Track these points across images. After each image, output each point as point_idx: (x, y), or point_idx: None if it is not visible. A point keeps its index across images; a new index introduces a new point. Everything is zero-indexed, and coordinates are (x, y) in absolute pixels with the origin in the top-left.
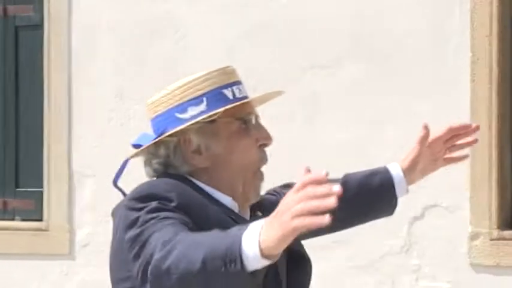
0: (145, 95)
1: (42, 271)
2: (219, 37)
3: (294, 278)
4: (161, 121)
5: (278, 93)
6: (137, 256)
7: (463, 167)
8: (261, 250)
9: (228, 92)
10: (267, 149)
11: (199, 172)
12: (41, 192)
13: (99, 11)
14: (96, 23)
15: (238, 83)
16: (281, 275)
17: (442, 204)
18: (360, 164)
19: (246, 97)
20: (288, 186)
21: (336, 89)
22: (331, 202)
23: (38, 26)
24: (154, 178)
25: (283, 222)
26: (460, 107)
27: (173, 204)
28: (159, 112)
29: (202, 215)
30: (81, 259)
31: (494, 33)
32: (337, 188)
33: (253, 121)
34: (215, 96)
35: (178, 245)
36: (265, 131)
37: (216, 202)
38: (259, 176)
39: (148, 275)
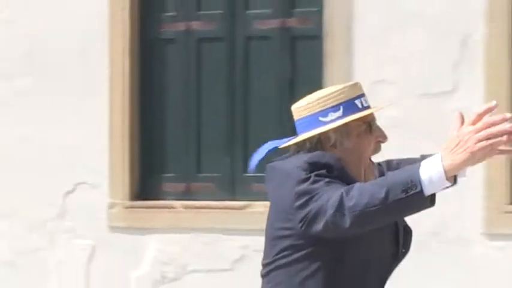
0: None
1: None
2: None
3: (404, 240)
4: (306, 122)
5: (390, 103)
6: (304, 205)
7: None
8: (445, 172)
9: (358, 102)
10: None
11: None
12: None
13: None
14: None
15: (363, 95)
16: (400, 237)
17: (88, 182)
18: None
19: (369, 106)
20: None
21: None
22: (507, 126)
23: None
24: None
25: (468, 147)
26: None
27: (335, 173)
28: (304, 115)
29: (346, 177)
30: None
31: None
32: (509, 114)
33: (375, 124)
34: (349, 105)
35: (357, 189)
36: (382, 131)
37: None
38: (370, 163)
39: (328, 217)
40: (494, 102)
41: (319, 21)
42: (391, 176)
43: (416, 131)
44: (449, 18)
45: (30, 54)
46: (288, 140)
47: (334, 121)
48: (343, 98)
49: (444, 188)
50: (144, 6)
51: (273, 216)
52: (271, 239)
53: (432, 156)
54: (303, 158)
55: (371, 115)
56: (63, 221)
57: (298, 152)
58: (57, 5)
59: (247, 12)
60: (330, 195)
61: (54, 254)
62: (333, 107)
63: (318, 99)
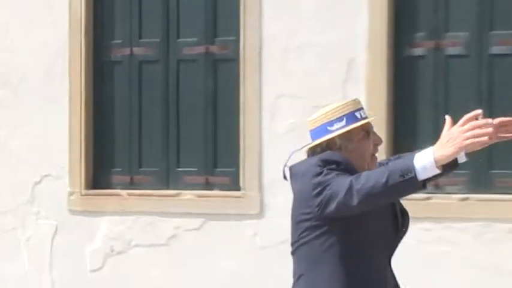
0: None
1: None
2: None
3: (402, 220)
4: (317, 132)
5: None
6: (320, 193)
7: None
8: (436, 161)
9: (357, 114)
10: None
11: None
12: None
13: None
14: None
15: (362, 108)
16: (398, 217)
17: (52, 175)
18: None
19: (367, 117)
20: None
21: None
22: (489, 129)
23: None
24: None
25: (457, 143)
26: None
27: (342, 167)
28: (315, 127)
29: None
30: None
31: None
32: (490, 120)
33: (372, 131)
34: (350, 117)
35: (364, 176)
36: (378, 136)
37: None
38: (374, 159)
39: (339, 199)
40: (480, 111)
41: (235, 48)
42: (392, 165)
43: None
44: (338, 46)
45: (5, 72)
46: (305, 146)
47: (339, 129)
48: (345, 111)
49: (435, 176)
50: (97, 35)
51: (296, 205)
52: (296, 223)
53: (425, 149)
54: (316, 157)
55: (368, 124)
56: (32, 206)
57: (312, 155)
58: (28, 33)
59: (178, 40)
60: (340, 182)
61: (25, 232)
62: (338, 118)
63: (326, 113)
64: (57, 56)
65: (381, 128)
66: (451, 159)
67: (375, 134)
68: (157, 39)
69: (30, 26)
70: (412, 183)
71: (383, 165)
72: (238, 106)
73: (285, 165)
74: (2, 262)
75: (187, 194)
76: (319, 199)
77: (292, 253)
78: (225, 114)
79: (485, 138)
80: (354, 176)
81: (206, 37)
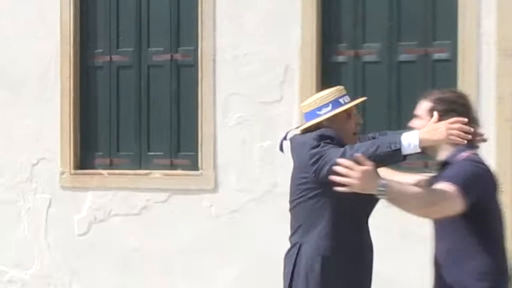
0: None
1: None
2: None
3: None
4: (308, 115)
5: (363, 100)
6: (316, 162)
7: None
8: (420, 142)
9: (341, 100)
10: None
11: None
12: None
13: None
14: None
15: (345, 95)
16: (369, 205)
17: (46, 158)
18: None
19: (349, 102)
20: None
21: None
22: (469, 136)
23: None
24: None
25: (441, 132)
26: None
27: (335, 142)
28: (307, 111)
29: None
30: None
31: None
32: (471, 129)
33: (355, 115)
34: (335, 103)
35: (357, 144)
36: (359, 117)
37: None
38: (355, 136)
39: (332, 162)
40: (466, 119)
41: (194, 56)
42: (381, 138)
43: (257, 125)
44: (276, 54)
45: (7, 76)
46: (299, 126)
47: (326, 114)
48: (331, 98)
49: (414, 153)
50: (83, 45)
51: (296, 170)
52: (295, 186)
53: (412, 131)
54: (314, 132)
55: (351, 107)
56: (31, 183)
57: (305, 134)
58: (26, 44)
59: (149, 49)
60: (334, 151)
61: (25, 205)
62: (324, 104)
63: (315, 100)
64: (51, 62)
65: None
66: (432, 144)
67: (355, 115)
68: (132, 49)
69: (28, 37)
70: (396, 155)
71: (367, 139)
72: (196, 103)
73: (282, 140)
74: (6, 229)
75: (156, 173)
76: (315, 167)
77: (291, 210)
78: (186, 109)
79: (464, 140)
80: (348, 146)
81: (171, 47)
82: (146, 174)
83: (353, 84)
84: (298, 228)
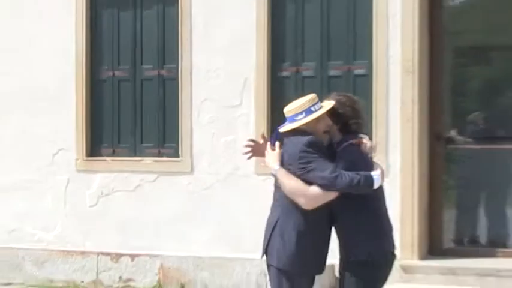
0: None
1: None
2: None
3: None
4: (289, 119)
5: (330, 104)
6: (305, 163)
7: None
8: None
9: (313, 108)
10: None
11: None
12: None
13: None
14: None
15: (317, 102)
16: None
17: (64, 148)
18: None
19: (320, 109)
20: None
21: None
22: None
23: None
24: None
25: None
26: None
27: (319, 146)
28: (288, 116)
29: (323, 150)
30: None
31: None
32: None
33: (324, 118)
34: (308, 111)
35: (345, 174)
36: (326, 122)
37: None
38: (325, 134)
39: (323, 182)
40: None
41: (176, 71)
42: (360, 175)
43: (223, 124)
44: (238, 69)
45: (36, 87)
46: (283, 126)
47: (300, 120)
48: (304, 107)
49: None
50: (92, 62)
51: (285, 160)
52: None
53: (376, 172)
54: (304, 138)
55: (321, 115)
56: (52, 167)
57: (288, 134)
58: (49, 60)
59: (142, 66)
60: (324, 167)
61: (48, 184)
62: (299, 113)
63: (293, 108)
64: (68, 77)
65: (260, 121)
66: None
67: (324, 120)
68: (129, 66)
69: (51, 59)
70: (369, 188)
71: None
72: (178, 107)
73: (274, 133)
74: (34, 202)
75: (147, 160)
76: (302, 166)
77: (275, 185)
78: (170, 111)
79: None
80: (340, 173)
81: (158, 65)
82: (140, 160)
83: (294, 93)
84: (279, 203)
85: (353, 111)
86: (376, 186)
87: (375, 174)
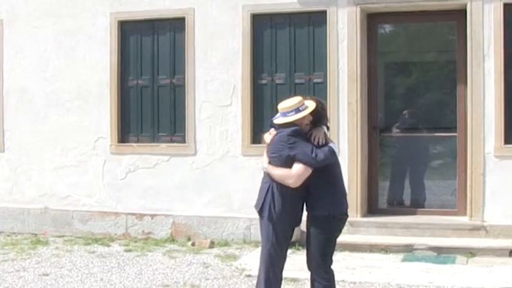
0: None
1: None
2: None
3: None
4: (282, 115)
5: (312, 105)
6: (292, 148)
7: None
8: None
9: (301, 108)
10: None
11: None
12: None
13: None
14: None
15: (303, 104)
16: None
17: (102, 137)
18: None
19: (305, 109)
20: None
21: None
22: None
23: None
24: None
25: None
26: None
27: (302, 135)
28: (282, 112)
29: (304, 137)
30: None
31: None
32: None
33: (308, 116)
34: (296, 110)
35: (319, 151)
36: (310, 116)
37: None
38: (308, 125)
39: (305, 161)
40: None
41: (183, 80)
42: (327, 148)
43: (217, 119)
44: (228, 79)
45: (81, 92)
46: (276, 117)
47: (291, 116)
48: (294, 107)
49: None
50: (121, 74)
51: (275, 142)
52: (275, 147)
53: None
54: (290, 129)
55: (303, 117)
56: (94, 151)
57: (282, 126)
58: (90, 72)
59: (158, 76)
60: (306, 151)
61: (91, 163)
62: (290, 111)
63: (286, 107)
64: (105, 81)
65: (245, 116)
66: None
67: (307, 118)
68: (149, 76)
69: (92, 70)
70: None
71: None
72: (184, 106)
73: (269, 123)
74: (81, 176)
75: (163, 145)
76: (290, 145)
77: (270, 158)
78: (179, 110)
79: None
80: (313, 156)
81: (170, 75)
82: (157, 145)
83: (270, 96)
84: (269, 178)
85: (323, 111)
86: (336, 151)
87: (332, 145)
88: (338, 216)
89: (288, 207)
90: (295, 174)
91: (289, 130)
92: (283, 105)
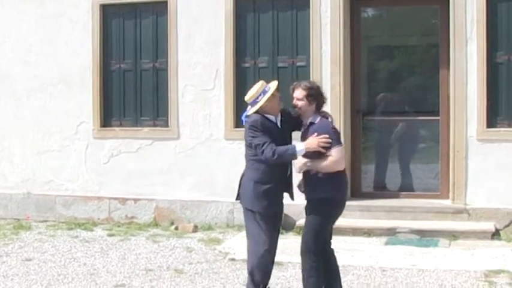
0: None
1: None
2: None
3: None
4: (253, 103)
5: (274, 83)
6: (253, 137)
7: None
8: (304, 150)
9: (266, 89)
10: None
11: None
12: None
13: None
14: None
15: (266, 86)
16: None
17: (85, 121)
18: None
19: (270, 90)
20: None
21: None
22: (328, 145)
23: None
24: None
25: (314, 143)
26: None
27: (260, 123)
28: (251, 100)
29: (268, 125)
30: None
31: None
32: (329, 140)
33: (277, 98)
34: (263, 92)
35: (276, 151)
36: (275, 102)
37: (270, 120)
38: (280, 108)
39: (260, 151)
40: (330, 140)
41: (166, 64)
42: (288, 148)
43: (200, 102)
44: (211, 62)
45: (63, 77)
46: (248, 110)
47: (262, 99)
48: (260, 90)
49: (300, 154)
50: (104, 58)
51: (246, 133)
52: (246, 138)
53: (300, 143)
54: (252, 119)
55: (273, 92)
56: (76, 135)
57: (258, 114)
58: (73, 57)
59: (141, 60)
60: (264, 142)
61: (73, 147)
62: (258, 95)
63: (252, 94)
64: (87, 67)
65: (228, 100)
66: (310, 151)
67: (277, 98)
68: (131, 60)
69: (75, 55)
70: (292, 157)
71: (285, 113)
72: (167, 90)
73: (244, 116)
74: (64, 160)
75: (145, 129)
76: (250, 140)
77: (246, 146)
78: (162, 94)
79: (326, 145)
80: (273, 150)
81: (153, 59)
82: (140, 129)
83: (253, 80)
84: (246, 162)
85: (322, 94)
86: (298, 154)
87: (299, 146)
88: (335, 199)
89: (262, 194)
90: (340, 157)
91: (249, 122)
92: (249, 95)
